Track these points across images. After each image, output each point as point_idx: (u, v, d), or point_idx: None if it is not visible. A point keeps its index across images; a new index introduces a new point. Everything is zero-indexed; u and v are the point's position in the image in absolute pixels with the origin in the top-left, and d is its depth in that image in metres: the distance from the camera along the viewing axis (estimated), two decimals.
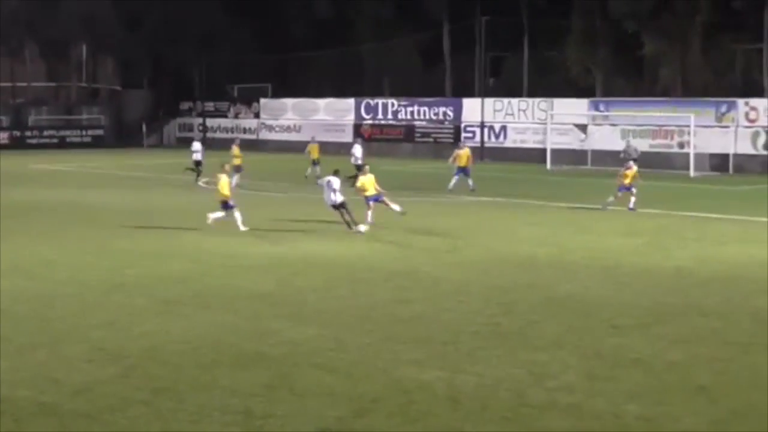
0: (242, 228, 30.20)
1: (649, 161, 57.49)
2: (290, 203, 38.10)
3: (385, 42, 76.45)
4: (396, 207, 32.03)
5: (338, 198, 31.05)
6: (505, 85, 74.00)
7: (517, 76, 73.53)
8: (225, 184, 31.28)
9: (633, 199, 35.91)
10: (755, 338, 16.85)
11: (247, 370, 14.75)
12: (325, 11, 79.09)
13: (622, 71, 68.33)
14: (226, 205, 30.92)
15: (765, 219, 33.77)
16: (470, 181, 43.43)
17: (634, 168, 37.16)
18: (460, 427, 12.41)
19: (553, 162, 57.83)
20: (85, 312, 18.80)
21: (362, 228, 30.35)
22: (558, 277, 22.75)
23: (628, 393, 13.69)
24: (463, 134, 68.19)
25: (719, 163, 56.51)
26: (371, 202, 32.11)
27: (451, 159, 45.79)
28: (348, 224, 30.59)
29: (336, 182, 31.07)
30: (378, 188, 32.38)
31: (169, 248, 26.85)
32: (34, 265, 24.00)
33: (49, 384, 14.03)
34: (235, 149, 47.58)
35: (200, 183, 46.69)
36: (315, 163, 49.92)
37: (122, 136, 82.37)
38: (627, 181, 36.29)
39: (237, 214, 30.63)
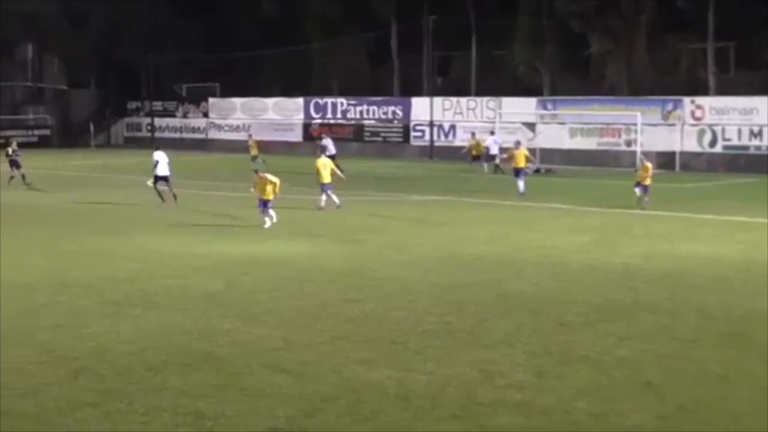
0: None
1: (596, 159, 58.03)
2: (238, 203, 37.91)
3: (332, 41, 76.34)
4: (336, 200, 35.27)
5: (163, 171, 37.21)
6: (453, 84, 74.09)
7: (465, 75, 73.69)
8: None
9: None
10: (702, 334, 17.02)
11: (197, 371, 14.69)
12: (272, 10, 78.82)
13: (569, 70, 68.67)
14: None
15: (711, 216, 34.14)
16: (521, 184, 41.56)
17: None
18: (410, 426, 12.43)
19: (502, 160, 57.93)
20: (32, 314, 18.64)
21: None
22: (507, 275, 22.85)
23: (577, 390, 13.78)
24: (413, 133, 68.34)
25: (666, 160, 56.86)
26: (329, 191, 35.44)
27: (506, 157, 45.05)
28: (161, 196, 36.76)
29: (160, 156, 37.41)
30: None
31: (117, 249, 26.67)
32: None
33: None
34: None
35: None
36: (255, 158, 53.13)
37: (69, 136, 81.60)
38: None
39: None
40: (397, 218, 33.79)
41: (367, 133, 71.17)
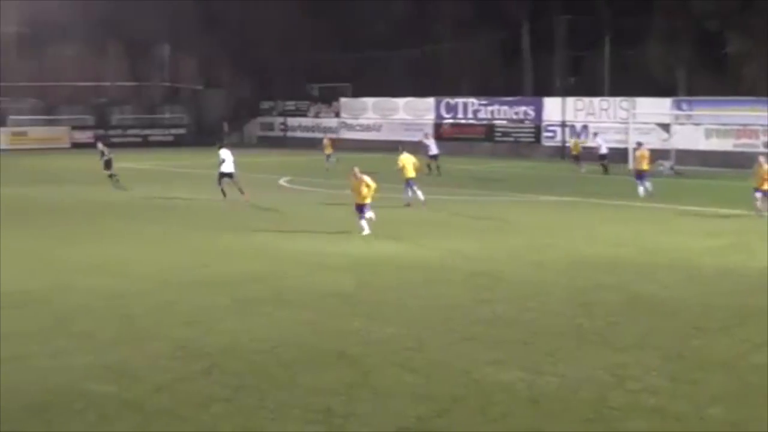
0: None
1: (733, 161, 56.74)
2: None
3: (464, 41, 76.24)
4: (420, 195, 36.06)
5: (228, 168, 38.57)
6: (585, 84, 73.38)
7: (598, 75, 72.92)
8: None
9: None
10: None
11: (327, 369, 14.78)
12: (403, 10, 79.07)
13: (705, 70, 67.36)
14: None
15: None
16: (647, 184, 40.27)
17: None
18: (540, 428, 12.33)
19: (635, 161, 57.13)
20: (167, 310, 18.99)
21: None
22: (639, 278, 22.52)
23: (712, 396, 13.51)
24: (544, 134, 67.85)
25: None
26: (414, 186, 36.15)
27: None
28: (240, 191, 37.84)
29: (228, 153, 38.95)
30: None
31: (249, 247, 26.99)
32: (116, 263, 24.29)
33: (132, 380, 14.19)
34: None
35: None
36: (329, 156, 56.49)
37: (203, 135, 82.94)
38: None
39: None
40: (528, 219, 33.56)
41: (498, 133, 70.92)
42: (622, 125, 61.65)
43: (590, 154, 55.28)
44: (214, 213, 35.17)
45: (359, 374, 14.48)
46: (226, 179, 38.64)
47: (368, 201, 29.25)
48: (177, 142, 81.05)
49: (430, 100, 74.67)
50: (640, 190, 40.25)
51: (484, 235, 29.49)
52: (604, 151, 54.34)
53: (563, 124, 66.89)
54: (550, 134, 67.72)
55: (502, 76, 77.17)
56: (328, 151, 57.57)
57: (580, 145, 57.64)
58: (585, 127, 65.68)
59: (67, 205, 37.45)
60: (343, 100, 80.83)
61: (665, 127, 61.22)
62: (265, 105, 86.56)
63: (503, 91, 72.25)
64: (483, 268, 23.72)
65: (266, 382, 14.11)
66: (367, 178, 29.37)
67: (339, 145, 76.69)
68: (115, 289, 20.93)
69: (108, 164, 44.77)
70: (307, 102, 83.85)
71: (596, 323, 17.87)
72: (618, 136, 61.03)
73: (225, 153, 39.26)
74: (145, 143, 79.53)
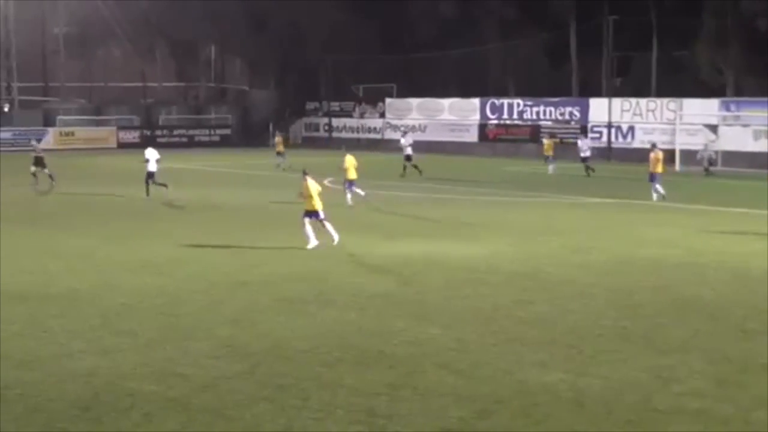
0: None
1: None
2: (411, 203, 38.15)
3: (510, 41, 76.04)
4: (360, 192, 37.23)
5: (152, 168, 39.41)
6: (632, 85, 72.97)
7: (645, 75, 72.46)
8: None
9: None
10: None
11: (370, 369, 14.80)
12: (450, 11, 78.96)
13: (755, 71, 66.73)
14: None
15: None
16: (657, 187, 39.26)
17: None
18: (583, 431, 12.28)
19: (682, 163, 56.81)
20: (212, 309, 19.08)
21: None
22: (685, 280, 22.37)
23: (758, 399, 13.40)
24: (590, 134, 67.53)
25: None
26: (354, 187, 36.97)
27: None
28: (147, 192, 39.12)
29: (152, 153, 39.62)
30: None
31: (292, 247, 27.02)
32: (162, 262, 24.44)
33: (177, 379, 14.28)
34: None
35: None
36: (279, 154, 55.58)
37: (249, 135, 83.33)
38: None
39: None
40: (572, 220, 33.44)
41: (543, 134, 70.63)
42: (669, 126, 61.25)
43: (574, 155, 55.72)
44: (258, 213, 35.30)
45: (402, 375, 14.49)
46: (151, 179, 39.72)
47: (319, 207, 26.78)
48: (223, 143, 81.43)
49: (476, 101, 74.54)
50: (655, 192, 39.25)
51: (528, 236, 29.40)
52: (587, 153, 54.26)
53: (609, 125, 66.55)
54: (596, 135, 67.38)
55: (548, 77, 76.87)
56: (280, 149, 56.13)
57: (553, 144, 57.43)
58: (631, 128, 65.39)
59: (112, 205, 37.71)
60: (388, 100, 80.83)
61: (713, 128, 60.78)
62: (311, 105, 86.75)
63: (549, 91, 71.95)
64: (525, 269, 23.65)
65: (309, 381, 14.15)
66: (312, 182, 27.02)
67: (384, 146, 76.97)
68: (159, 288, 21.07)
69: (38, 161, 44.03)
70: (352, 103, 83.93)
71: (641, 325, 17.78)
72: (665, 137, 60.59)
73: (150, 152, 39.90)
74: (191, 144, 80.00)
